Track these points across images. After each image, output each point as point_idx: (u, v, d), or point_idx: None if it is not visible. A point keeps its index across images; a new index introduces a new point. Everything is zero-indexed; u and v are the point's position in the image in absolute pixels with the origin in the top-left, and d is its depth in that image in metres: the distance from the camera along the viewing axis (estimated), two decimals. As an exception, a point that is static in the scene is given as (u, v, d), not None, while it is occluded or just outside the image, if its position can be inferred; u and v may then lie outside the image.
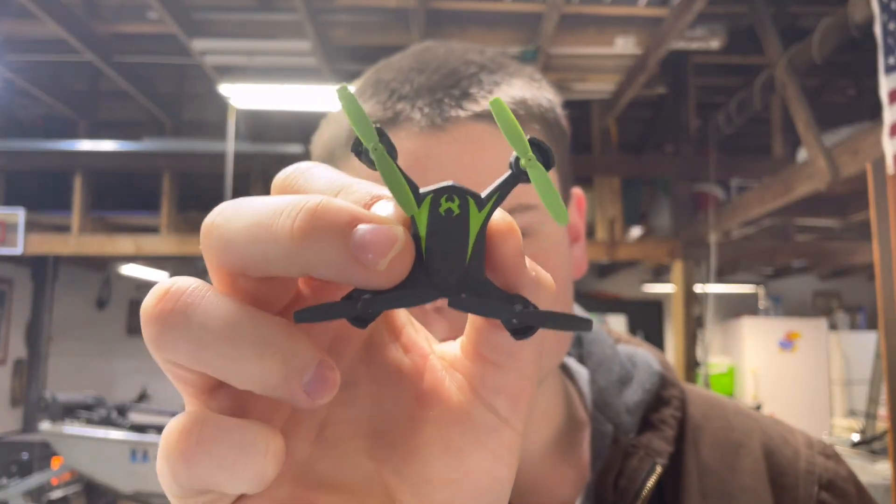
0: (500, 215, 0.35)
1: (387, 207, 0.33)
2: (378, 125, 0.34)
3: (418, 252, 0.33)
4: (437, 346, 0.40)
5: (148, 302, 0.32)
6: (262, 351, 0.30)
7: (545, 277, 0.35)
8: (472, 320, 0.37)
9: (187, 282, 0.33)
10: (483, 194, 0.35)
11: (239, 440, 0.30)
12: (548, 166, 0.35)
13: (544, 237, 0.64)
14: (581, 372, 0.78)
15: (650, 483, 0.67)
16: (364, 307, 0.32)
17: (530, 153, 0.35)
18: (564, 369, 0.78)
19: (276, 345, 0.31)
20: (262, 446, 0.31)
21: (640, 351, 0.80)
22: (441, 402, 0.37)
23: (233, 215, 0.32)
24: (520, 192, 0.60)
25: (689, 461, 0.71)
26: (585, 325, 0.35)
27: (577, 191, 0.75)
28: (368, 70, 0.70)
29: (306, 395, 0.31)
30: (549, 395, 0.72)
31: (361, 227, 0.31)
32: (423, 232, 0.34)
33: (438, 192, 0.34)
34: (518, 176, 0.36)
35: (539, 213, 0.64)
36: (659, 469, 0.68)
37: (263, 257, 0.31)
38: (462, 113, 0.61)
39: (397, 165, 0.34)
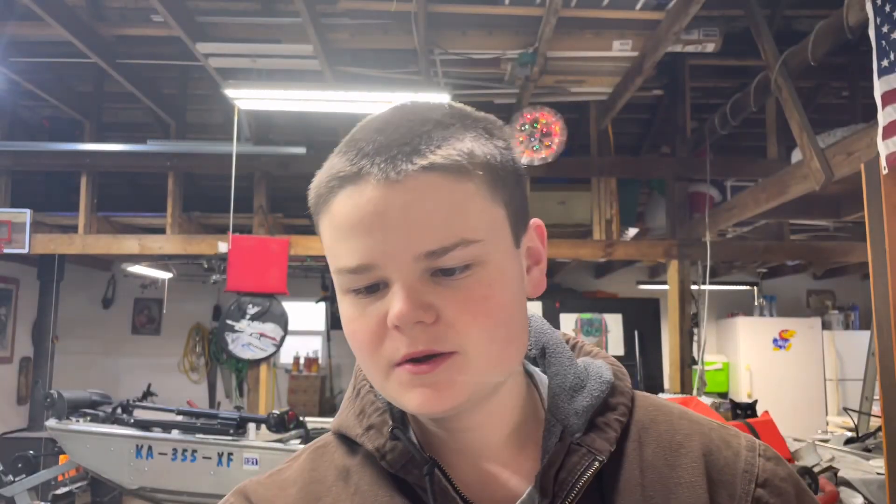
0: None
1: None
2: None
3: None
4: None
5: None
6: None
7: None
8: None
9: None
10: None
11: None
12: None
13: (490, 265, 0.74)
14: (544, 379, 0.89)
15: (587, 476, 0.78)
16: None
17: None
18: (530, 376, 0.89)
19: None
20: None
21: (597, 363, 0.89)
22: None
23: None
24: (461, 228, 0.72)
25: (631, 459, 0.82)
26: None
27: (536, 221, 0.85)
28: (356, 127, 0.81)
29: None
30: (508, 396, 0.82)
31: None
32: None
33: None
34: None
35: (483, 245, 0.73)
36: (597, 464, 0.79)
37: None
38: (411, 167, 0.71)
39: None
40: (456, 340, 0.72)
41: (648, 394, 0.92)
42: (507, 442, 0.83)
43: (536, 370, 0.90)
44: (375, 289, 0.74)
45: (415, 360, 0.73)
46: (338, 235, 0.75)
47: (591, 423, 0.82)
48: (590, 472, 0.78)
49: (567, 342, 0.94)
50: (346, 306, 0.78)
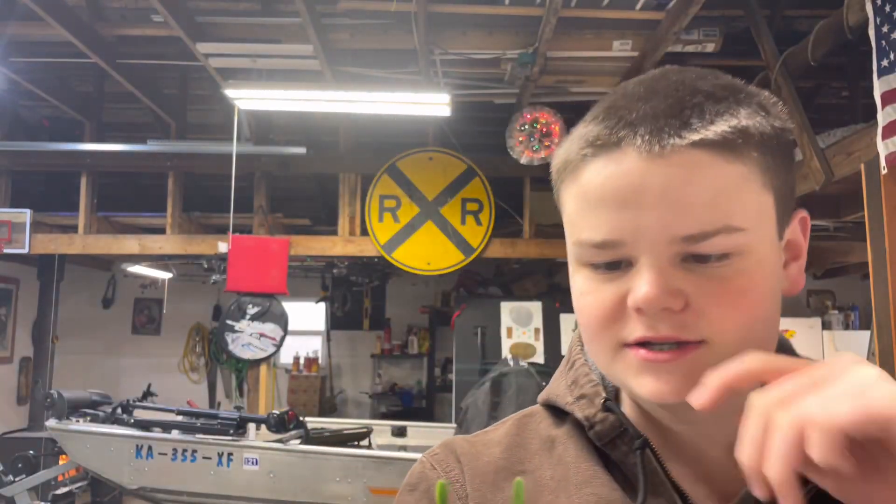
0: None
1: None
2: None
3: None
4: None
5: None
6: None
7: None
8: None
9: None
10: None
11: None
12: None
13: (751, 256, 0.68)
14: None
15: (810, 491, 0.70)
16: None
17: None
18: None
19: None
20: None
21: None
22: None
23: None
24: (726, 213, 0.66)
25: None
26: None
27: (801, 212, 0.78)
28: (610, 91, 0.77)
29: None
30: (743, 398, 0.74)
31: None
32: None
33: None
34: None
35: (746, 234, 0.68)
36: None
37: None
38: (679, 141, 0.66)
39: None
40: (705, 330, 0.68)
41: None
42: (731, 445, 0.73)
43: None
44: (616, 266, 0.70)
45: (652, 344, 0.69)
46: (585, 206, 0.71)
47: None
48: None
49: None
50: (580, 279, 0.73)
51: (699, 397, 0.63)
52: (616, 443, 0.77)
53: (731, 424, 0.74)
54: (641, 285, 0.67)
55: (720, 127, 0.67)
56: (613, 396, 0.82)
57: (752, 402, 0.60)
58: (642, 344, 0.69)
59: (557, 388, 0.87)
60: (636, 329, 0.69)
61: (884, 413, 0.52)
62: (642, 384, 0.70)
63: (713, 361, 0.66)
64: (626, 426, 0.77)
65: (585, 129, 0.73)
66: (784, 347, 0.83)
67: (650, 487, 0.75)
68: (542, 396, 0.89)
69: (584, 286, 0.73)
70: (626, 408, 0.82)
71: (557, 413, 0.86)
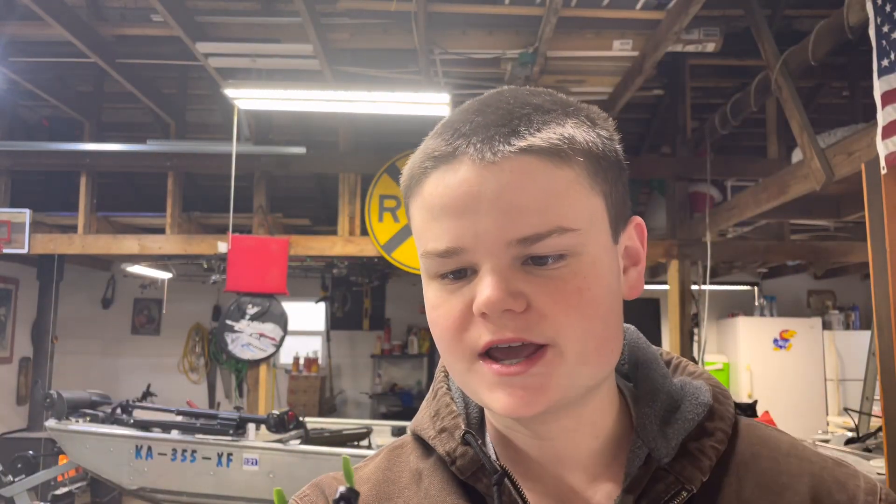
0: None
1: None
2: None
3: None
4: None
5: None
6: None
7: None
8: None
9: None
10: None
11: None
12: None
13: (585, 257, 0.71)
14: (635, 396, 0.83)
15: None
16: None
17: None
18: (620, 391, 0.84)
19: None
20: None
21: (696, 383, 0.84)
22: None
23: None
24: (557, 215, 0.69)
25: (727, 495, 0.75)
26: None
27: (636, 218, 0.81)
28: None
29: None
30: (598, 405, 0.78)
31: None
32: None
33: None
34: None
35: (579, 234, 0.70)
36: (685, 495, 0.73)
37: None
38: (509, 148, 0.69)
39: None
40: (548, 332, 0.69)
41: (757, 422, 0.86)
42: (593, 458, 0.79)
43: (629, 385, 0.85)
44: (463, 274, 0.72)
45: (502, 358, 0.70)
46: (428, 217, 0.73)
47: (684, 449, 0.76)
48: (676, 502, 0.73)
49: (666, 359, 0.89)
50: (431, 293, 0.75)
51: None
52: (478, 475, 0.78)
53: (585, 443, 0.79)
54: (483, 289, 0.69)
55: (547, 134, 0.70)
56: (477, 423, 0.84)
57: None
58: (494, 359, 0.71)
59: (422, 420, 0.88)
60: (483, 334, 0.70)
61: None
62: (496, 398, 0.71)
63: (560, 363, 0.70)
64: (483, 460, 0.78)
65: (426, 145, 0.76)
66: (641, 352, 0.87)
67: None
68: (410, 426, 0.90)
69: (434, 299, 0.74)
70: (490, 433, 0.84)
71: (425, 444, 0.86)
